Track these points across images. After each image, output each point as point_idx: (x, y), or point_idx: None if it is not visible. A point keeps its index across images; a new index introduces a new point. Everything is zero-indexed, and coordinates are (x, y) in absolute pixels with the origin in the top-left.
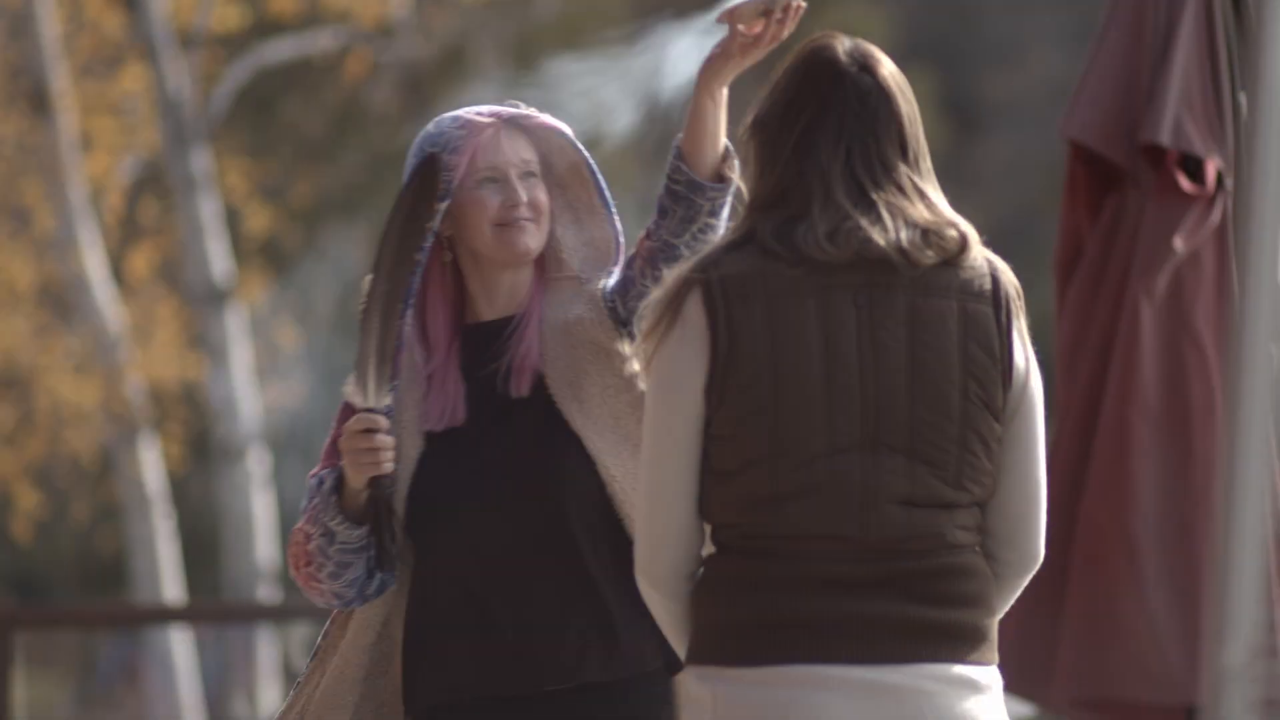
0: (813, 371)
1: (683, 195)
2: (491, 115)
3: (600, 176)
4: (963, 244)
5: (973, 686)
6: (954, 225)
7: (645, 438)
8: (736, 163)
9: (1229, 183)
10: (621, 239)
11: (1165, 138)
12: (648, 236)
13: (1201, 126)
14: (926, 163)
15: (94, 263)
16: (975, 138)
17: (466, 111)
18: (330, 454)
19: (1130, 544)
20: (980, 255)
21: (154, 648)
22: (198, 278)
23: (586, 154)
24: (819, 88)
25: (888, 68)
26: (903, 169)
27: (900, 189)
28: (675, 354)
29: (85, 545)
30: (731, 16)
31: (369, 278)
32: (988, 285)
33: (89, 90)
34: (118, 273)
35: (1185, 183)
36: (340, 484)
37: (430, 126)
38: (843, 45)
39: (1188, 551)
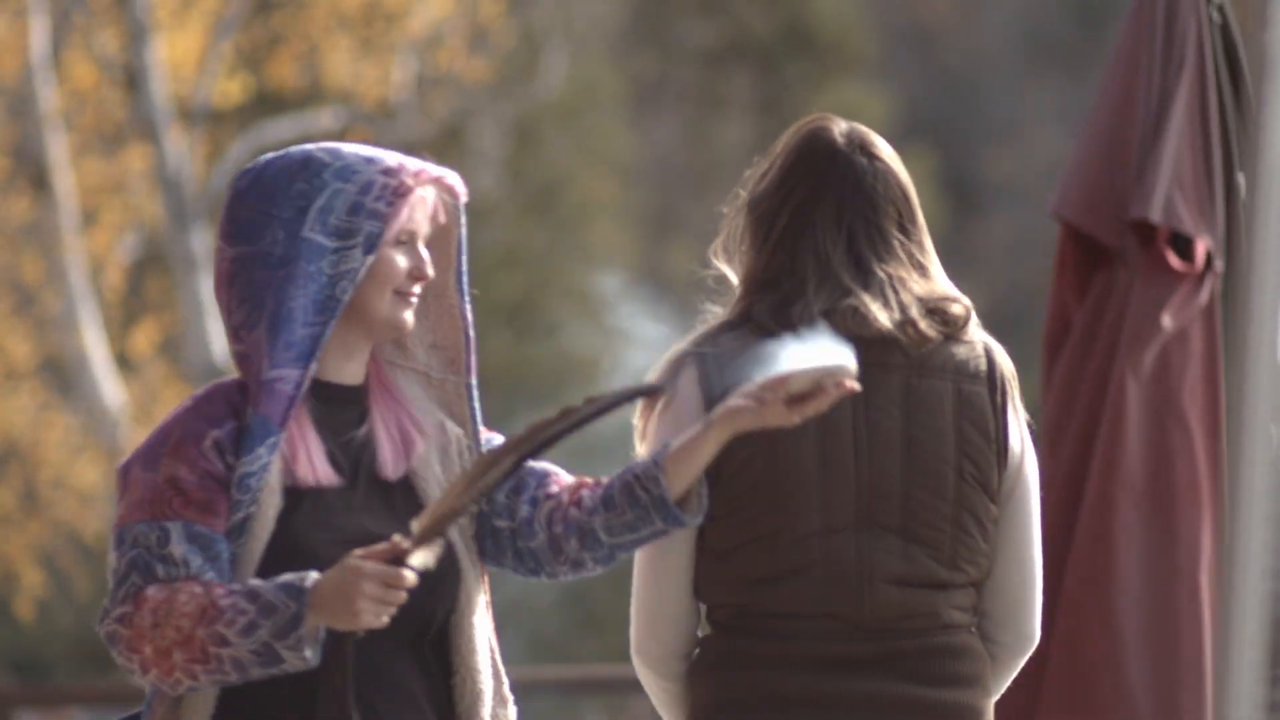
0: (807, 451)
1: (644, 505)
2: (420, 170)
3: (465, 257)
4: (966, 318)
5: None
6: (957, 299)
7: None
8: (704, 502)
9: (1219, 264)
10: (472, 333)
11: (1156, 215)
12: (577, 504)
13: (1193, 206)
14: (927, 239)
15: (93, 341)
16: (975, 217)
17: (388, 157)
18: (159, 501)
19: (1110, 622)
20: (976, 335)
21: None
22: (198, 356)
23: (464, 228)
24: (816, 168)
25: (884, 148)
26: (903, 243)
27: (901, 263)
28: (670, 430)
29: (87, 624)
30: (783, 383)
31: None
32: (983, 366)
33: (89, 168)
34: (119, 351)
35: (1174, 260)
36: (303, 611)
37: (325, 156)
38: (839, 127)
39: (1168, 631)
